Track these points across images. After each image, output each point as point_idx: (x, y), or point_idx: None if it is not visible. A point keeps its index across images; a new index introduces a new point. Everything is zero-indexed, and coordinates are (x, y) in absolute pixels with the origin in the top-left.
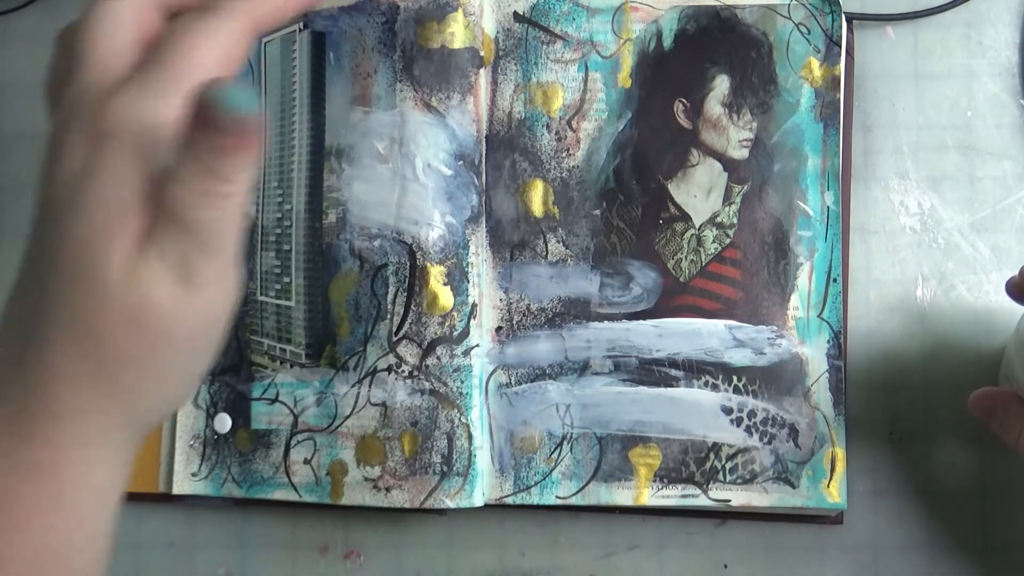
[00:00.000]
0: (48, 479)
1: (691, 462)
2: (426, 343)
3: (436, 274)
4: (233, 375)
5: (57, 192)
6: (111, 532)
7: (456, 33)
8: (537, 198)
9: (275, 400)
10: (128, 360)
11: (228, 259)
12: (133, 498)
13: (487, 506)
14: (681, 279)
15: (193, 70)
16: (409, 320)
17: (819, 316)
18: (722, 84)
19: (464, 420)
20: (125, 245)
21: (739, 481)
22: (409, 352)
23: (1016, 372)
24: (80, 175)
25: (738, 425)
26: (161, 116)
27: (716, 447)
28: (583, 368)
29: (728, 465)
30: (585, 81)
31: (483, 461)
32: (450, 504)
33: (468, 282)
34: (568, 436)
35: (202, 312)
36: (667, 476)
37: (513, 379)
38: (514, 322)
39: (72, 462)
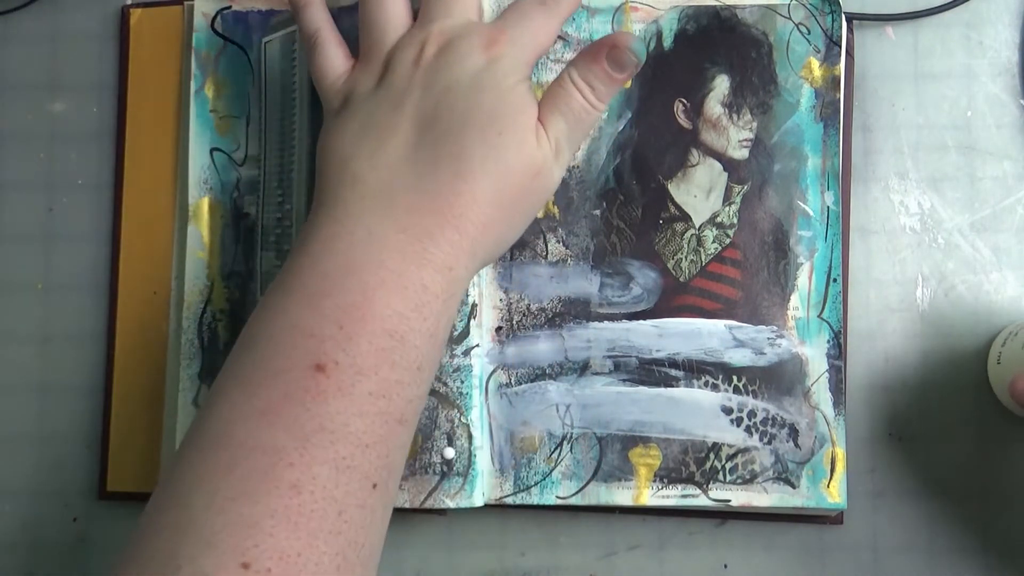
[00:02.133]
0: (447, 274)
1: (691, 462)
2: None
3: None
4: None
5: (462, 80)
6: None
7: None
8: None
9: None
10: (519, 203)
11: (575, 151)
12: (133, 498)
13: (487, 506)
14: (681, 279)
15: (542, 41)
16: None
17: (819, 316)
18: (722, 84)
19: (464, 420)
20: (534, 124)
21: (739, 481)
22: None
23: (998, 395)
24: (485, 71)
25: (738, 425)
26: (531, 60)
27: (716, 447)
28: (583, 368)
29: (728, 465)
30: None
31: (483, 461)
32: (450, 504)
33: None
34: (568, 436)
35: (556, 181)
36: (667, 476)
37: (513, 379)
38: (514, 322)
39: (462, 267)
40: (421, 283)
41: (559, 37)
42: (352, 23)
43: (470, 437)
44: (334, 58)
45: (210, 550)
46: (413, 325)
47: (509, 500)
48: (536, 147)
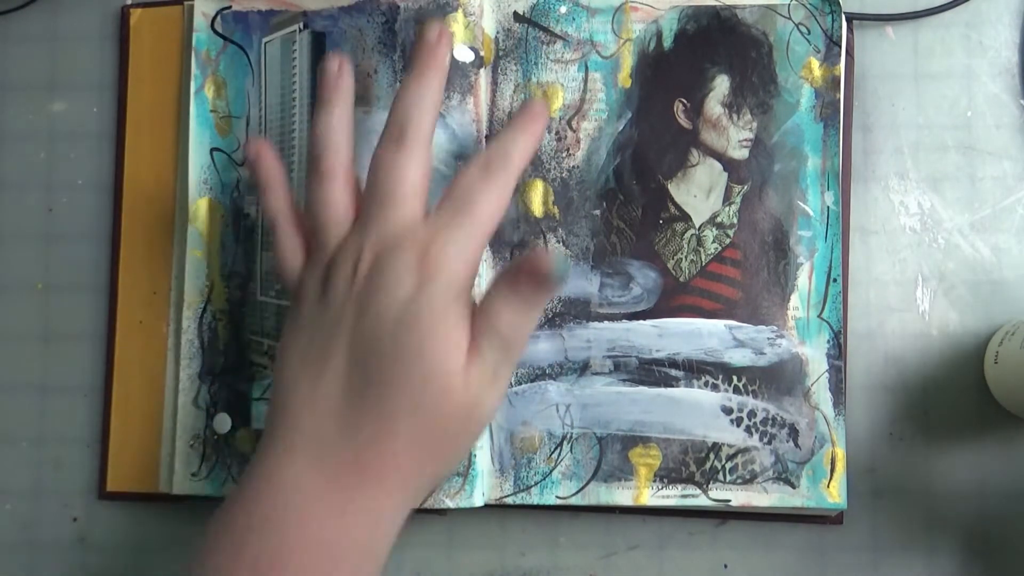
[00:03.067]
0: (371, 526)
1: (691, 462)
2: None
3: None
4: (233, 375)
5: (391, 311)
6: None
7: (456, 33)
8: (537, 198)
9: None
10: (451, 443)
11: (513, 369)
12: (133, 498)
13: (487, 506)
14: (681, 279)
15: (487, 224)
16: None
17: (819, 316)
18: (722, 84)
19: None
20: (461, 357)
21: (739, 481)
22: None
23: (996, 395)
24: (414, 301)
25: (738, 425)
26: (470, 265)
27: (716, 447)
28: (583, 368)
29: (728, 465)
30: (585, 81)
31: (483, 461)
32: (450, 504)
33: None
34: (568, 436)
35: (492, 409)
36: (667, 476)
37: (513, 379)
38: None
39: (387, 519)
40: (343, 537)
41: (559, 37)
42: (352, 23)
43: None
44: (289, 250)
45: None
46: None
47: (509, 500)
48: (464, 390)
